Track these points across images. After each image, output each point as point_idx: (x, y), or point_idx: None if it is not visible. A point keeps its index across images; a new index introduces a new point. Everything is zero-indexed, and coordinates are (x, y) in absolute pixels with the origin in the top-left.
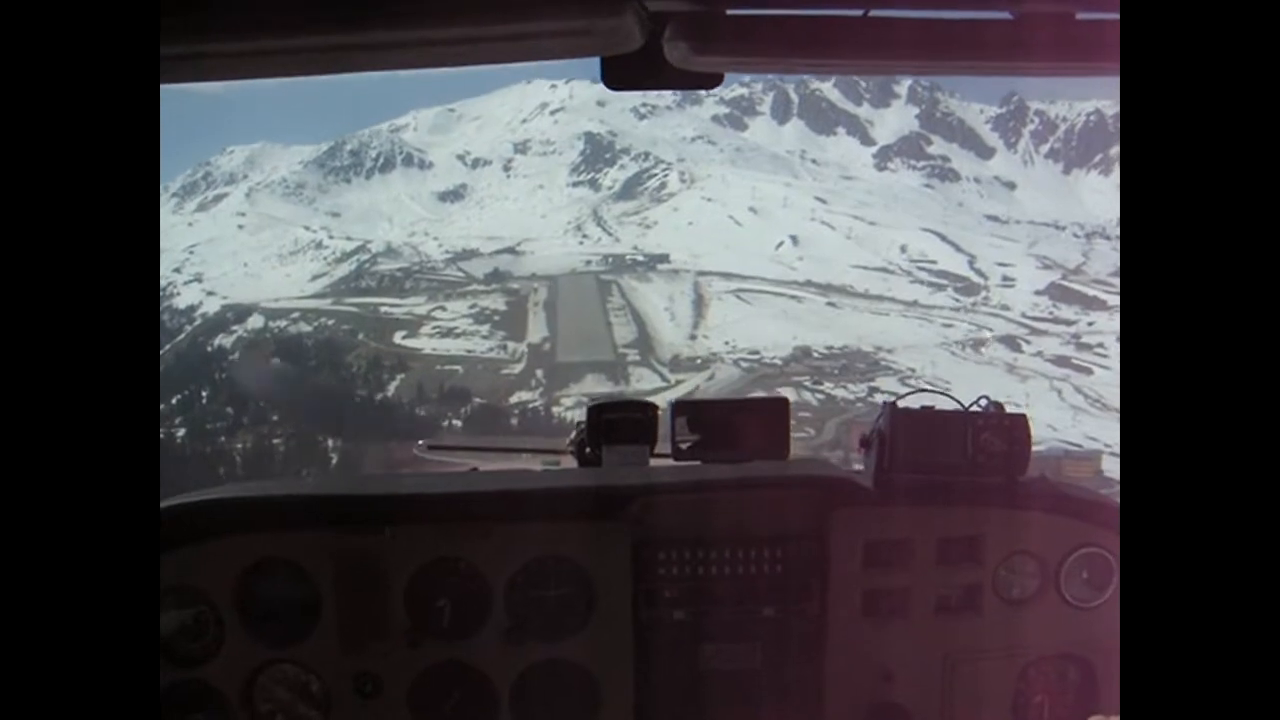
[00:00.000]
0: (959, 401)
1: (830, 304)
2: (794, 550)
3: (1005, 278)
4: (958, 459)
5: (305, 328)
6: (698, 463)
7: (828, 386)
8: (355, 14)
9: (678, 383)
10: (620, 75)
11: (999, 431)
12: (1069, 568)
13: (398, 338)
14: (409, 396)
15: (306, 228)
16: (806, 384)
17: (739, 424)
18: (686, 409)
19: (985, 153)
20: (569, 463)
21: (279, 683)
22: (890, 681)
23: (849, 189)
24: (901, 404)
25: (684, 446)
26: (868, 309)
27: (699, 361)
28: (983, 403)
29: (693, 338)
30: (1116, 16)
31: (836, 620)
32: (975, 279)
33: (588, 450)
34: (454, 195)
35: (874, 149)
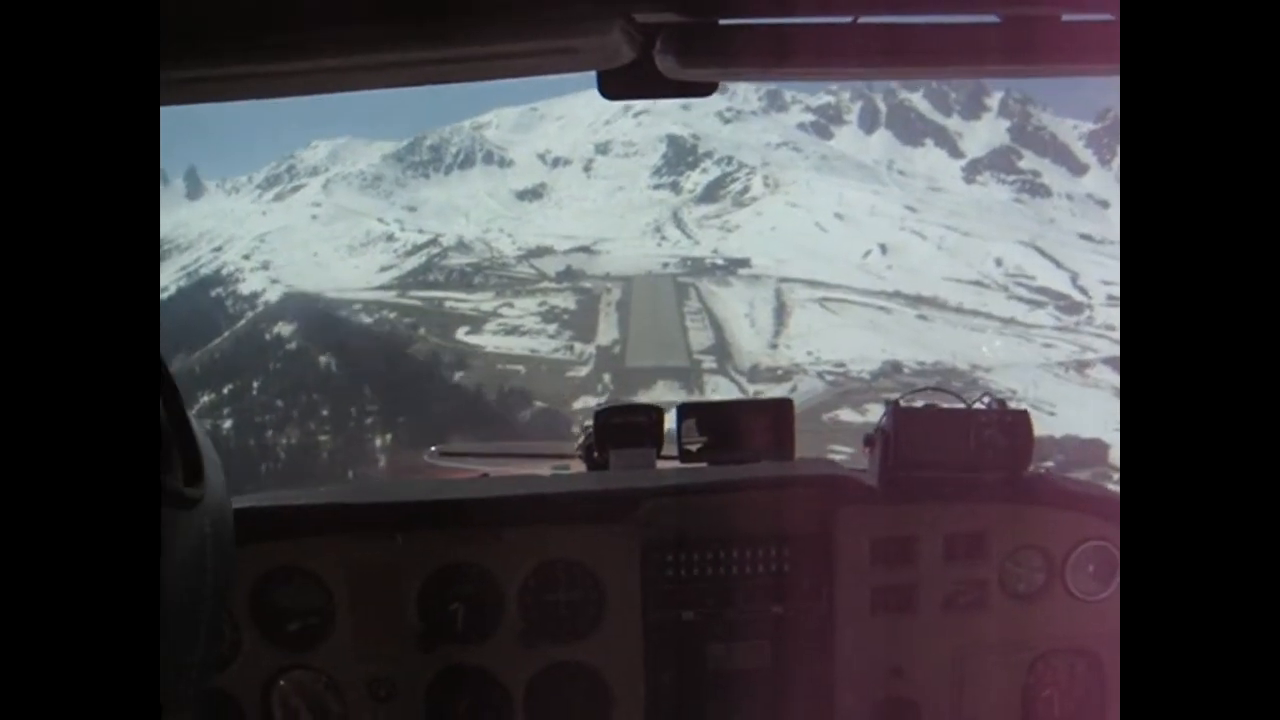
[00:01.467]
0: (962, 399)
1: (921, 317)
2: (801, 549)
3: (1110, 296)
4: (961, 456)
5: (365, 319)
6: (704, 464)
7: None
8: (349, 36)
9: (756, 394)
10: (615, 87)
11: (1001, 428)
12: (1075, 561)
13: (460, 333)
14: (466, 396)
15: (380, 220)
16: None
17: (744, 425)
18: (693, 411)
19: (1078, 169)
20: (578, 467)
21: (295, 688)
22: (899, 677)
23: (938, 200)
24: (904, 402)
25: (691, 448)
26: (962, 324)
27: (780, 372)
28: (985, 400)
29: (774, 346)
30: (1103, 18)
31: (844, 617)
32: (1078, 297)
33: (595, 454)
34: (533, 194)
35: (963, 161)
